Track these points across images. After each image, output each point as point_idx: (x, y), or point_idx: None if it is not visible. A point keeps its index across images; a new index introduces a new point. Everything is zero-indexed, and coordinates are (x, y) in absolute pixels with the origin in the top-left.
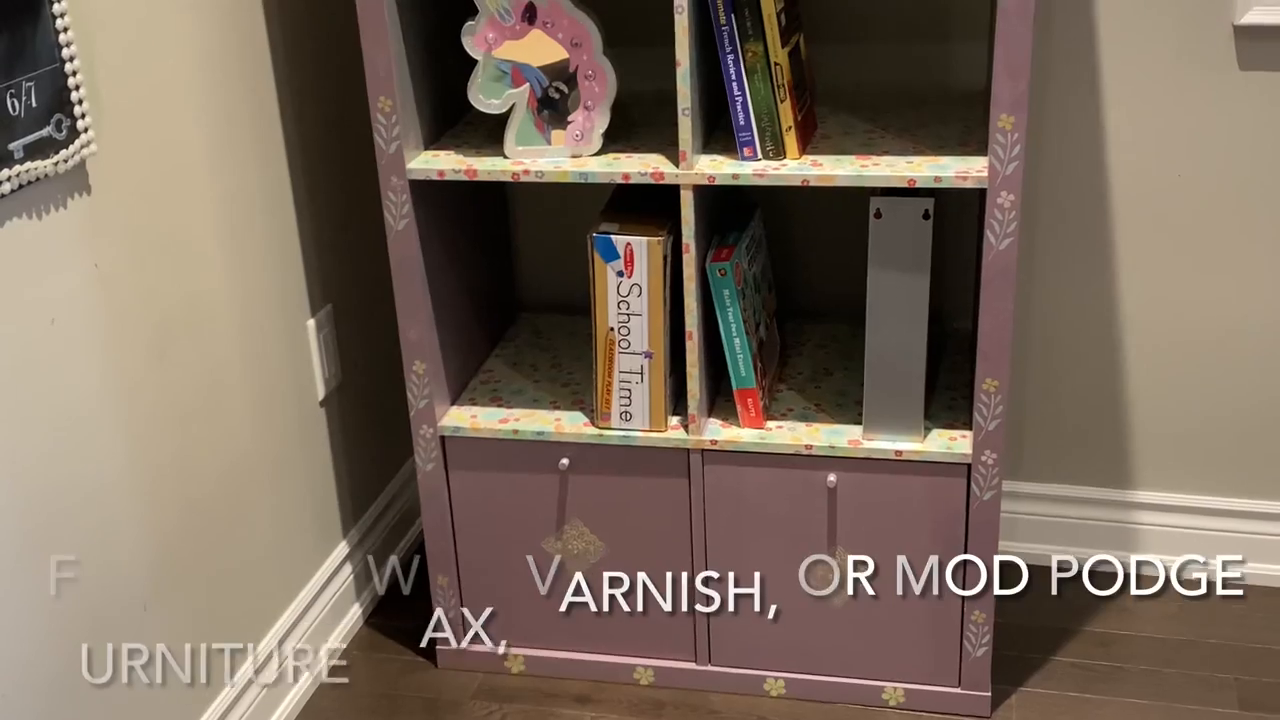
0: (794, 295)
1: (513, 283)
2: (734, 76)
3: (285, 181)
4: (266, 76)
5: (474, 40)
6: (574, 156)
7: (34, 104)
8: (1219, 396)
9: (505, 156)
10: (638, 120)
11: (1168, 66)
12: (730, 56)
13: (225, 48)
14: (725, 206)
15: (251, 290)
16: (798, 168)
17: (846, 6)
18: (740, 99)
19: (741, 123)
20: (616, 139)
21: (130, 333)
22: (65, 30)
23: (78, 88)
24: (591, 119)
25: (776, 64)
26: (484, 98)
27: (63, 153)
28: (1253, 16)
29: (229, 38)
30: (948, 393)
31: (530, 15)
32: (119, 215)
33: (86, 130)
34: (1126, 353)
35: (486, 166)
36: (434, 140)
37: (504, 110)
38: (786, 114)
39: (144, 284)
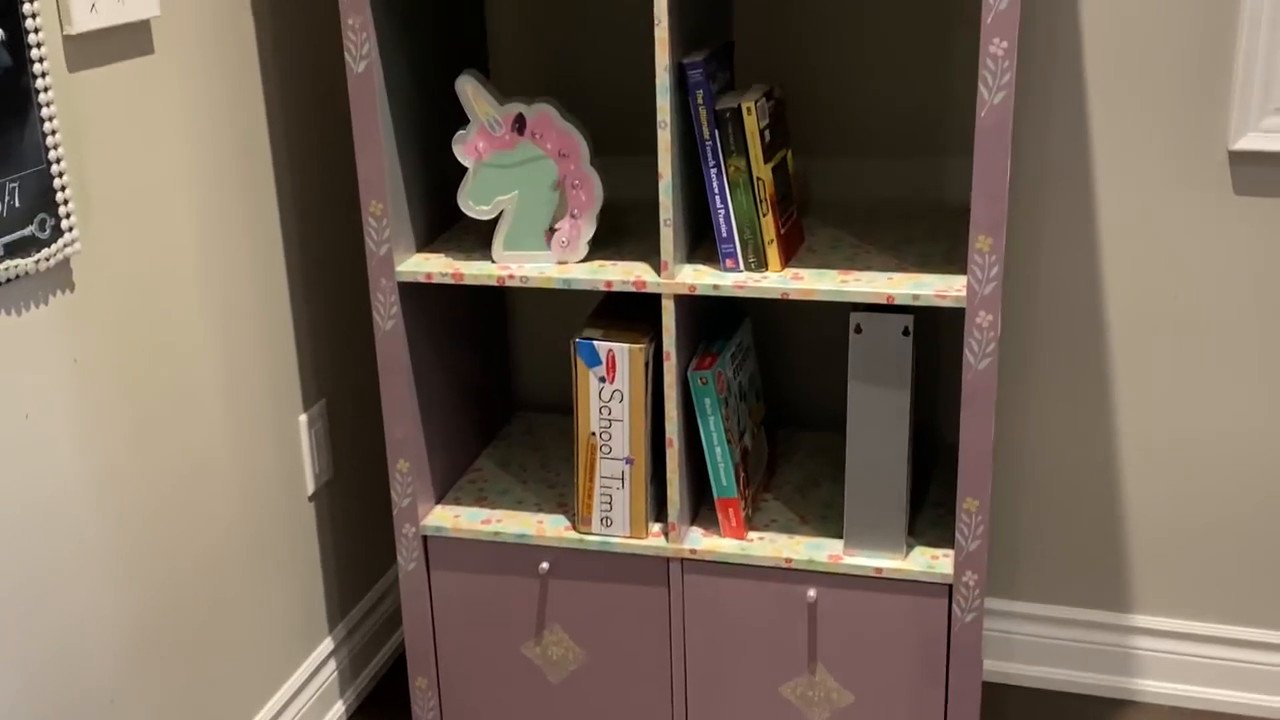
0: (786, 403)
1: (509, 381)
2: (716, 190)
3: (281, 277)
4: (265, 172)
5: (465, 149)
6: (560, 263)
7: (17, 204)
8: (1220, 520)
9: (493, 261)
10: (631, 228)
11: (1162, 190)
12: (713, 170)
13: (221, 144)
14: (713, 314)
15: (241, 385)
16: (778, 280)
17: (843, 120)
18: (723, 211)
19: (724, 234)
20: (606, 245)
21: (109, 426)
22: (53, 133)
23: (64, 188)
24: (578, 227)
25: (759, 179)
26: (473, 204)
27: (44, 251)
28: (1247, 142)
29: (226, 134)
30: (935, 508)
31: (520, 126)
32: (101, 311)
33: (71, 230)
34: (1124, 471)
35: (473, 271)
36: (428, 242)
37: (492, 216)
38: (769, 227)
39: (125, 378)
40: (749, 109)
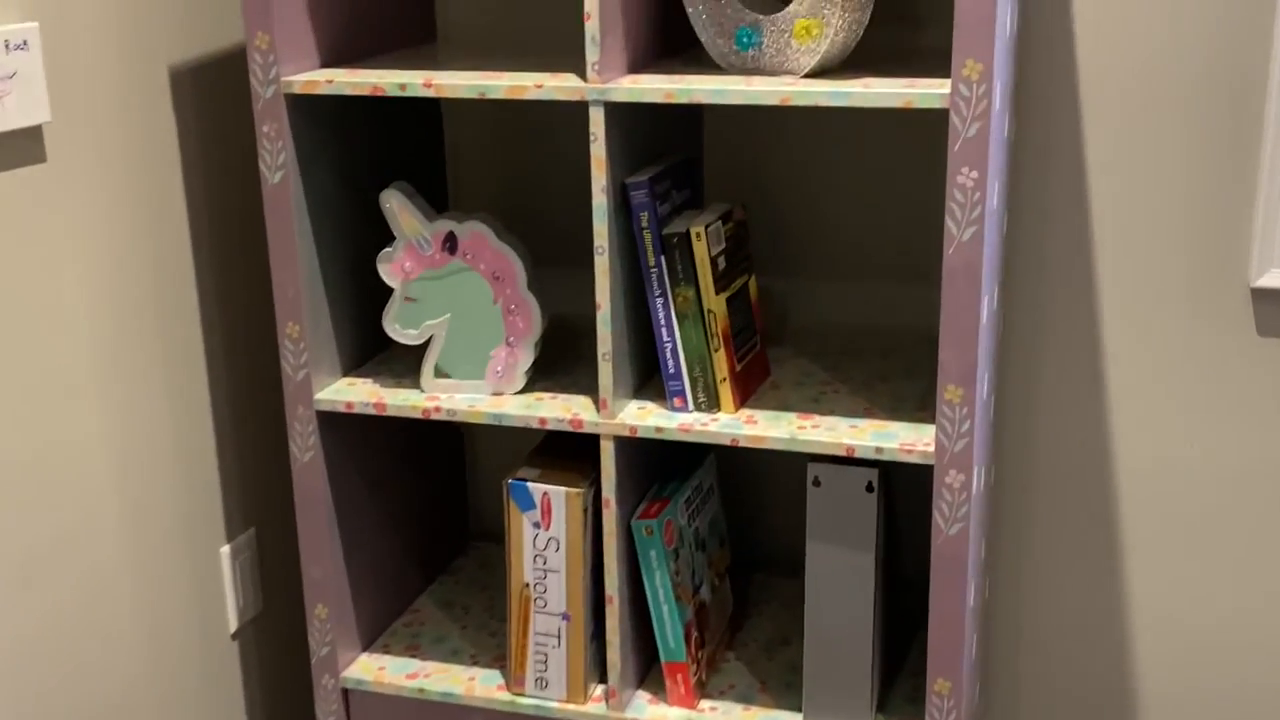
0: (760, 547)
1: (464, 509)
2: (663, 321)
3: (202, 399)
4: (185, 285)
5: (390, 268)
6: (495, 394)
7: None
8: (1232, 691)
9: (422, 390)
10: (585, 352)
11: (1179, 328)
12: (659, 300)
13: (131, 256)
14: (669, 451)
15: (148, 518)
16: (729, 424)
17: (828, 240)
18: (670, 345)
19: (671, 371)
20: (553, 373)
21: None
22: None
23: None
24: (515, 355)
25: (710, 311)
26: (400, 328)
27: None
28: (1271, 279)
29: (139, 245)
30: (913, 678)
31: (451, 245)
32: None
33: None
34: (1131, 633)
35: (397, 401)
36: (359, 364)
37: (421, 341)
38: (720, 364)
39: (5, 513)
40: (698, 234)
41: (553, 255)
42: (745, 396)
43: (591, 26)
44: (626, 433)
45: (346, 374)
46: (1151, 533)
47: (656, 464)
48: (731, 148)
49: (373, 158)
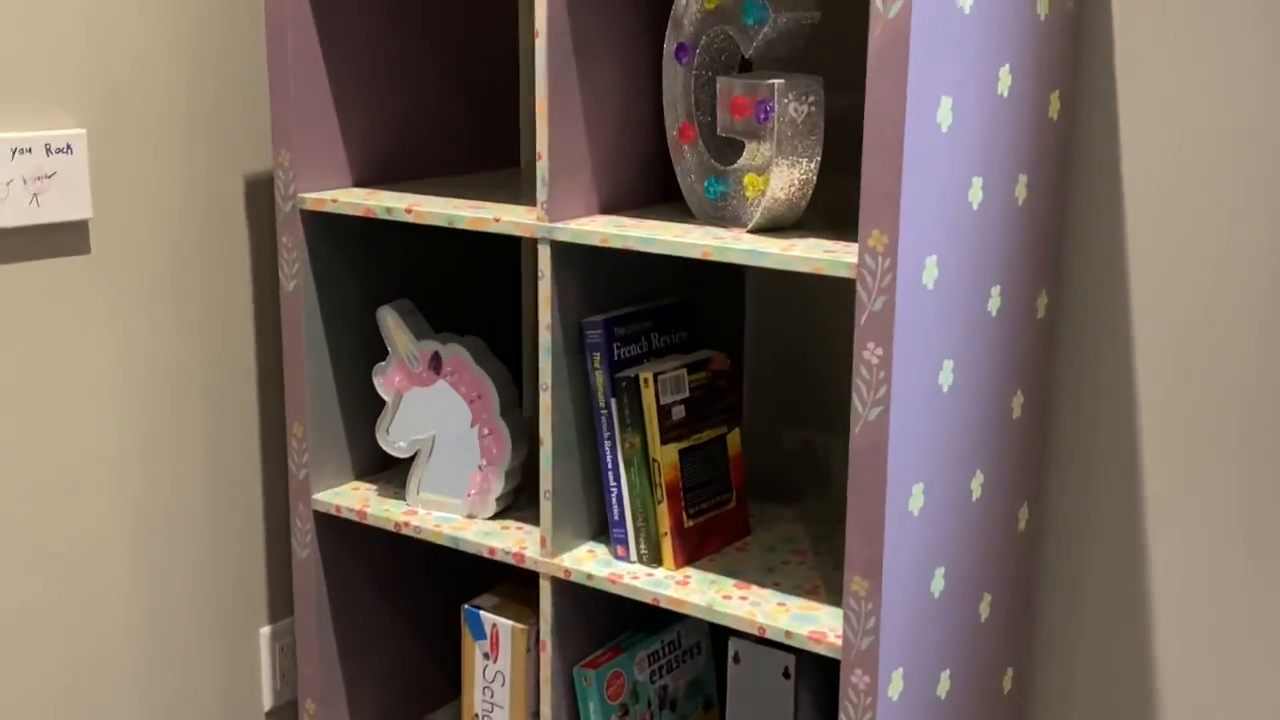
0: None
1: None
2: (610, 466)
3: (251, 489)
4: (236, 373)
5: (383, 381)
6: (469, 516)
7: None
8: None
9: (406, 503)
10: None
11: (1232, 589)
12: (607, 444)
13: (177, 345)
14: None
15: (186, 591)
16: (656, 581)
17: None
18: (615, 491)
19: (616, 518)
20: (535, 501)
21: None
22: None
23: None
24: (488, 480)
25: (655, 461)
26: (391, 439)
27: None
28: None
29: (191, 336)
30: None
31: (436, 364)
32: None
33: None
34: None
35: (378, 511)
36: (379, 469)
37: (409, 455)
38: (663, 517)
39: (15, 587)
40: (646, 380)
41: None
42: (694, 554)
43: (542, 167)
44: (561, 574)
45: (360, 477)
46: None
47: (632, 612)
48: (777, 296)
49: (421, 275)
